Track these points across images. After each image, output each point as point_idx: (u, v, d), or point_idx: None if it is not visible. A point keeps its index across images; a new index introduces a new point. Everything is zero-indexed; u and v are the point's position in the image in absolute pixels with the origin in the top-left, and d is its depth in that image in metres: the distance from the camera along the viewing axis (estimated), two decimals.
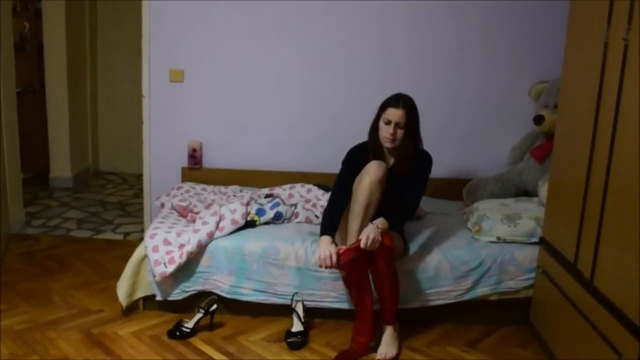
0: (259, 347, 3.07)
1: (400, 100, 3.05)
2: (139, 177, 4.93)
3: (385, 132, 3.05)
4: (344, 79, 4.25)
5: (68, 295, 3.56)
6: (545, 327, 3.10)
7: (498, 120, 4.26)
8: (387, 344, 2.98)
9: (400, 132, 3.04)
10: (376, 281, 2.97)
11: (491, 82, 4.21)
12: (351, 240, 2.94)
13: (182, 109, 4.30)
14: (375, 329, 3.02)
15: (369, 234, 2.82)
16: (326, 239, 2.95)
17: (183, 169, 4.36)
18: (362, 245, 2.80)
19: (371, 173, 2.95)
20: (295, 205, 3.69)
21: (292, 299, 3.22)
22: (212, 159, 4.37)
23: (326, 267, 2.89)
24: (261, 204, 3.59)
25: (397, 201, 3.09)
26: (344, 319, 3.27)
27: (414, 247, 3.33)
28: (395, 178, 3.08)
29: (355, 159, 3.14)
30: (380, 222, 2.92)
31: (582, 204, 2.67)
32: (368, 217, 2.95)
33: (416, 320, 3.33)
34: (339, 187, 3.13)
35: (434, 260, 3.28)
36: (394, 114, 3.02)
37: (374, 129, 3.13)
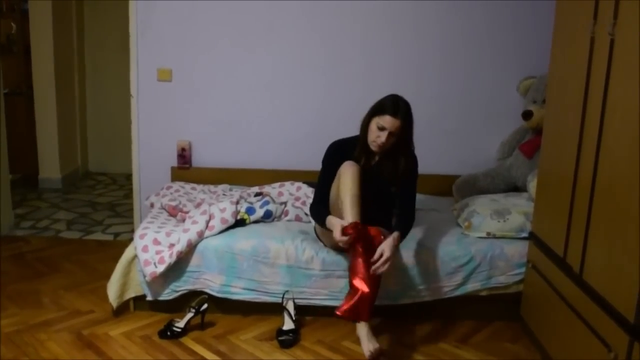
0: (251, 346, 3.06)
1: (398, 109, 2.97)
2: (129, 177, 4.91)
3: (375, 136, 3.01)
4: (331, 76, 4.25)
5: (58, 296, 3.54)
6: (536, 322, 3.11)
7: (486, 116, 4.27)
8: (369, 339, 2.92)
9: (391, 140, 3.01)
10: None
11: (479, 77, 4.22)
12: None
13: (170, 108, 4.29)
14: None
15: (386, 250, 2.80)
16: (332, 217, 2.98)
17: (172, 168, 4.35)
18: (376, 265, 2.78)
19: (349, 167, 2.98)
20: (285, 203, 3.69)
21: (283, 297, 3.22)
22: (201, 158, 4.36)
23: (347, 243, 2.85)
24: (251, 203, 3.58)
25: (385, 199, 3.13)
26: (335, 316, 3.26)
27: (404, 243, 3.32)
28: (380, 177, 3.10)
29: (338, 154, 3.14)
30: (396, 236, 2.91)
31: (570, 199, 2.68)
32: (360, 207, 2.92)
33: (407, 317, 3.34)
34: (322, 184, 3.17)
35: (424, 256, 3.28)
36: (391, 123, 2.96)
37: (366, 127, 3.08)
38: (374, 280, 2.84)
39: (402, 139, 3.05)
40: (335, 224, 2.92)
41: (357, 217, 2.89)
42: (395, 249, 2.91)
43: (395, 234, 2.93)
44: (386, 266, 2.80)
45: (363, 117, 3.11)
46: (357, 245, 2.84)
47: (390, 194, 3.16)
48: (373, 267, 2.79)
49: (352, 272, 2.84)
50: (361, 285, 2.78)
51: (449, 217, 3.76)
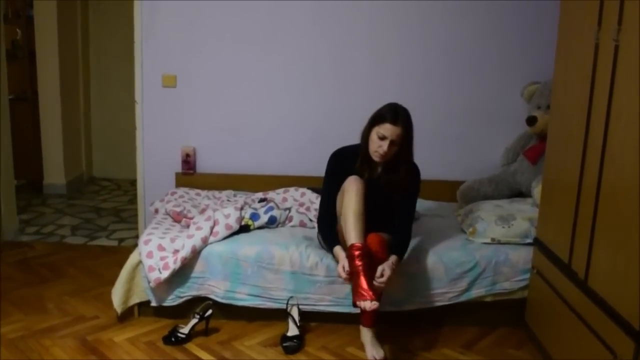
0: (255, 352, 3.06)
1: (398, 116, 2.92)
2: (133, 182, 4.91)
3: (377, 146, 2.96)
4: (335, 82, 4.26)
5: (63, 302, 3.54)
6: (541, 328, 3.10)
7: (491, 122, 4.27)
8: (373, 346, 2.92)
9: (393, 149, 2.96)
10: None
11: (483, 83, 4.22)
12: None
13: (175, 114, 4.30)
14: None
15: (386, 270, 2.85)
16: (339, 249, 2.97)
17: (177, 174, 4.35)
18: (378, 281, 2.83)
19: (353, 184, 2.96)
20: (289, 209, 3.69)
21: (287, 303, 3.22)
22: (205, 164, 4.37)
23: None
24: (255, 209, 3.59)
25: (387, 211, 3.11)
26: (340, 322, 3.26)
27: (408, 249, 3.32)
28: (384, 188, 3.08)
29: (340, 164, 3.12)
30: (394, 260, 2.92)
31: (575, 204, 2.68)
32: (363, 225, 2.90)
33: (411, 323, 3.33)
34: (327, 195, 3.14)
35: (429, 262, 3.28)
36: (391, 130, 2.91)
37: (366, 138, 3.03)
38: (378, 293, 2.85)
39: (403, 147, 3.01)
40: (340, 258, 2.92)
41: (360, 237, 2.87)
42: (395, 271, 2.93)
43: (394, 259, 2.94)
44: (386, 283, 2.86)
45: (362, 129, 3.07)
46: (360, 273, 2.81)
47: (394, 202, 3.15)
48: (374, 283, 2.81)
49: (355, 293, 2.79)
50: (368, 305, 2.75)
51: (453, 223, 3.75)
